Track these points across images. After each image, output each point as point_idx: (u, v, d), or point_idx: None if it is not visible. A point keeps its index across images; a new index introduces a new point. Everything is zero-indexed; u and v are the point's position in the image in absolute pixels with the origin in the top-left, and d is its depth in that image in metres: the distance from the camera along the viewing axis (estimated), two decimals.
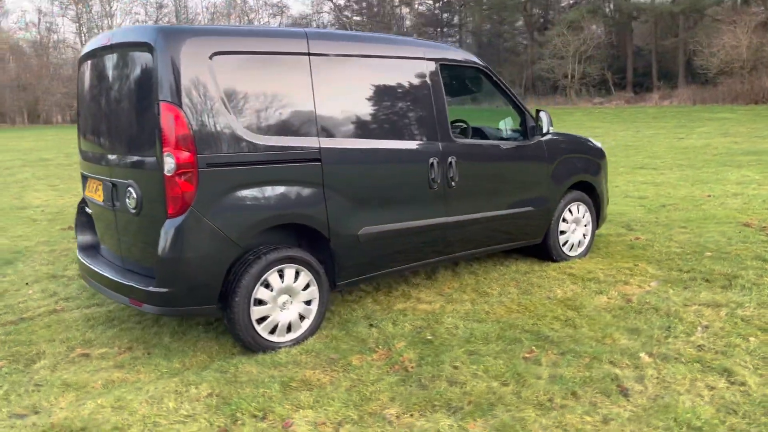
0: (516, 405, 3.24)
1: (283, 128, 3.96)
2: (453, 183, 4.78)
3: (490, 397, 3.33)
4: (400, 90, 4.58)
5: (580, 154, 5.92)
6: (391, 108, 4.53)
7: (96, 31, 65.11)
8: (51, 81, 55.55)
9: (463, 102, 5.43)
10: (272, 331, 4.02)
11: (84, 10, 65.53)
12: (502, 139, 5.38)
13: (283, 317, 4.04)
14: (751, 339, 3.97)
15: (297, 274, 4.08)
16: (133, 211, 3.88)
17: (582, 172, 5.85)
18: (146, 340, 4.28)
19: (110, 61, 4.12)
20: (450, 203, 4.82)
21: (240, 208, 3.79)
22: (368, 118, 4.39)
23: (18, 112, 56.29)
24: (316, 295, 4.18)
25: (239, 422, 3.13)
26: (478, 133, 5.50)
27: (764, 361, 3.65)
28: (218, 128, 3.69)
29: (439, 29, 60.62)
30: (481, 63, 5.18)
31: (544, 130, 5.32)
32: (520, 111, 5.39)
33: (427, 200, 4.69)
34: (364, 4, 67.60)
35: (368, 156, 4.35)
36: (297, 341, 4.09)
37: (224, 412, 3.22)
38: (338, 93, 4.23)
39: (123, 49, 3.95)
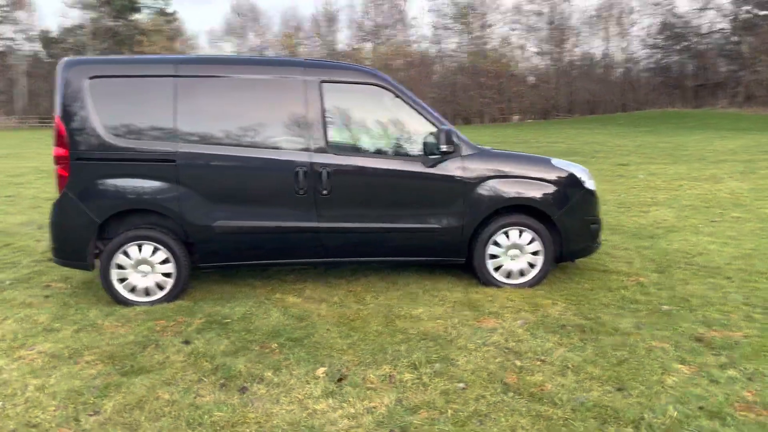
0: (158, 375, 3.85)
1: (144, 134, 5.09)
2: (325, 192, 5.21)
3: (160, 366, 3.99)
4: (269, 106, 5.23)
5: (526, 177, 5.49)
6: (256, 121, 5.20)
7: (476, 43, 71.14)
8: (424, 86, 62.96)
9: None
10: (132, 291, 5.20)
11: (465, 24, 72.01)
12: (404, 155, 5.44)
13: (141, 282, 5.20)
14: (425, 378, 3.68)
15: (155, 250, 5.18)
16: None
17: (524, 196, 5.45)
18: (90, 284, 5.87)
19: None
20: (323, 211, 5.25)
21: (100, 192, 5.07)
22: (230, 129, 5.17)
23: None
24: (173, 270, 5.21)
25: (16, 339, 4.45)
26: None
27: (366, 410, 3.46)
28: (87, 132, 5.03)
29: None
30: (383, 82, 5.37)
31: (443, 149, 5.23)
32: (435, 128, 5.39)
33: (293, 206, 5.22)
34: None
35: (224, 161, 5.15)
36: (153, 303, 5.19)
37: (15, 332, 4.58)
38: (202, 107, 5.14)
39: None
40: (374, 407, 3.42)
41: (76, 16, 69.28)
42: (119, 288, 5.17)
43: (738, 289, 5.41)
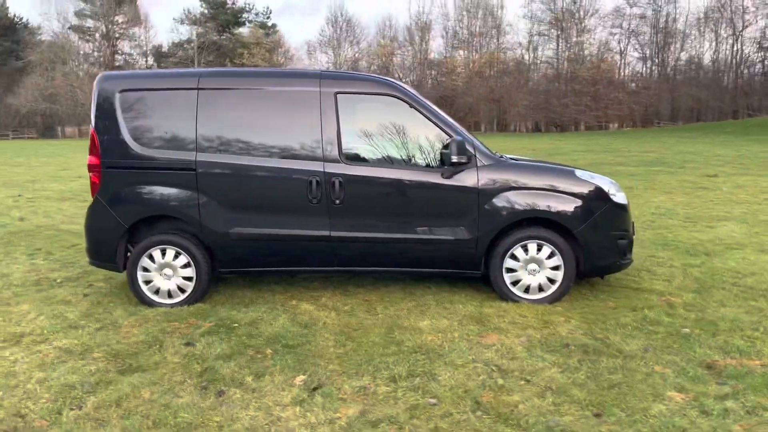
0: (150, 374, 4.03)
1: (167, 144, 5.35)
2: (337, 201, 5.27)
3: (155, 366, 4.18)
4: (285, 117, 5.34)
5: (545, 189, 5.32)
6: (273, 131, 5.34)
7: (573, 49, 69.26)
8: (517, 93, 61.98)
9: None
10: (156, 293, 5.48)
11: (561, 29, 70.21)
12: (418, 165, 5.39)
13: (164, 285, 5.46)
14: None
15: (177, 254, 5.43)
16: None
17: (541, 209, 5.28)
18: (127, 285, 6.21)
19: None
20: (336, 220, 5.31)
21: (127, 199, 5.38)
22: (248, 138, 5.34)
23: (488, 121, 64.98)
24: (193, 274, 5.44)
25: (41, 333, 4.81)
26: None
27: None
28: (116, 142, 5.36)
29: None
30: (398, 92, 5.35)
31: (453, 159, 5.16)
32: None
33: (307, 214, 5.32)
34: None
35: (241, 170, 5.31)
36: (173, 305, 5.44)
37: (43, 327, 4.94)
38: (221, 118, 5.34)
39: None
40: (337, 418, 3.43)
41: (185, 32, 73.58)
42: (144, 289, 5.44)
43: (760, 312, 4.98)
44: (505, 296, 5.40)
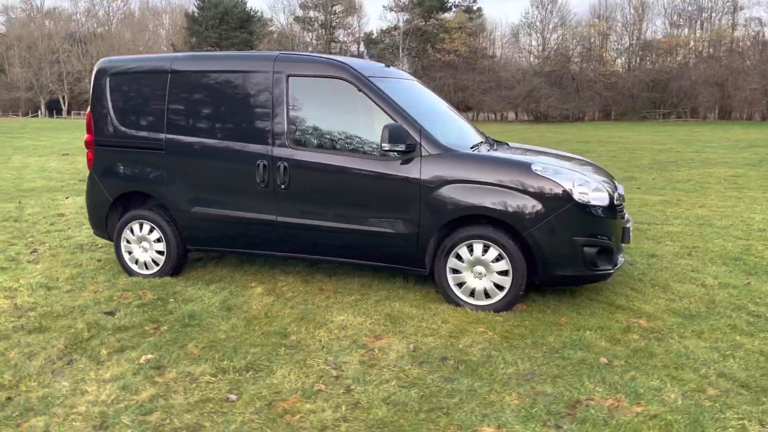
0: (43, 336, 4.41)
1: (142, 124, 5.70)
2: (283, 186, 5.24)
3: (59, 329, 4.55)
4: (239, 99, 5.36)
5: (491, 183, 4.72)
6: (229, 113, 5.39)
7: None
8: (746, 76, 54.59)
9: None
10: (135, 263, 5.92)
11: None
12: (362, 152, 5.08)
13: (141, 256, 5.88)
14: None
15: (152, 229, 5.81)
16: None
17: (482, 206, 4.71)
18: None
19: None
20: (282, 205, 5.27)
21: (111, 173, 5.86)
22: (208, 120, 5.46)
23: (709, 107, 58.18)
24: (164, 249, 5.78)
25: (15, 290, 5.47)
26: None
27: None
28: (105, 122, 5.84)
29: None
30: (349, 75, 5.06)
31: (384, 148, 4.81)
32: None
33: (257, 198, 5.34)
34: None
35: (200, 150, 5.47)
36: (149, 276, 5.82)
37: (27, 285, 5.60)
38: (186, 99, 5.53)
39: None
40: (127, 399, 3.46)
41: (393, 18, 76.18)
42: (126, 259, 5.89)
43: (748, 355, 3.92)
44: (449, 299, 4.94)
